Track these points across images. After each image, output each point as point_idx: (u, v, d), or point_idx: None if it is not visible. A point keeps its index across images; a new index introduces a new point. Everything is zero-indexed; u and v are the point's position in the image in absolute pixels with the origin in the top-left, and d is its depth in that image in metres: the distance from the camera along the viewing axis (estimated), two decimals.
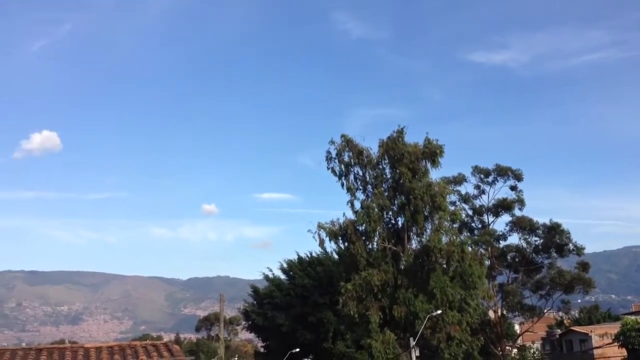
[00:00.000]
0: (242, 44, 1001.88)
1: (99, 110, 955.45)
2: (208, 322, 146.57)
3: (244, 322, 77.24)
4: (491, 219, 64.21)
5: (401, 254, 44.06)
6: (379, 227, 44.11)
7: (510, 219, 62.86)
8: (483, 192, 63.95)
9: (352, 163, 46.21)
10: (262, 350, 73.13)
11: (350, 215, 45.20)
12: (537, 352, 79.54)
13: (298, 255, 63.95)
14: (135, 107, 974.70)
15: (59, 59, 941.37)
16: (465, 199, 63.81)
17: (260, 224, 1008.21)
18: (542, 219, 65.09)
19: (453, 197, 60.57)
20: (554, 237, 61.06)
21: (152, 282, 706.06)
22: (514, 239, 63.47)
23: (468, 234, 61.67)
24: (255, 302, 65.25)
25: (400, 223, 45.55)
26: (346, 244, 44.89)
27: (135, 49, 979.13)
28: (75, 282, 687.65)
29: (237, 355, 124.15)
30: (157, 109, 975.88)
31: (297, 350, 56.14)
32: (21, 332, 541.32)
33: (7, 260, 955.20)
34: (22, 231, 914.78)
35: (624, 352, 53.92)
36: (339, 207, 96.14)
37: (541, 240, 62.19)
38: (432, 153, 45.11)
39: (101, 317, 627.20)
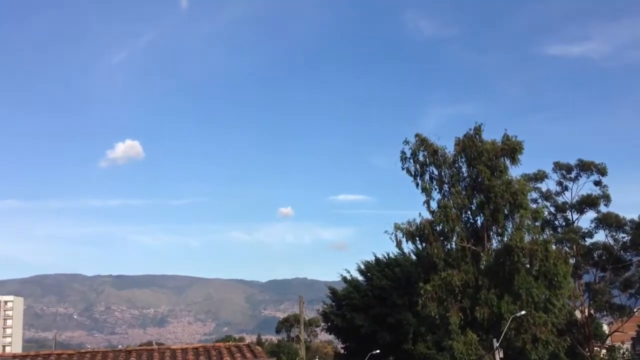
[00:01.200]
0: (314, 48, 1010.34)
1: (177, 117, 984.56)
2: (288, 323, 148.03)
3: (323, 324, 77.64)
4: (575, 216, 61.91)
5: (481, 254, 43.25)
6: (457, 227, 43.46)
7: (595, 215, 60.44)
8: (566, 188, 61.75)
9: (428, 162, 45.72)
10: (342, 351, 73.27)
11: (427, 215, 44.73)
12: (627, 353, 76.31)
13: (375, 257, 63.73)
14: (212, 113, 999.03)
15: (139, 70, 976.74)
16: (547, 196, 61.83)
17: (336, 225, 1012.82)
18: (630, 214, 62.24)
19: (534, 195, 58.79)
20: None
21: (233, 284, 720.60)
22: (600, 236, 60.94)
23: (551, 232, 59.64)
24: (333, 304, 65.43)
25: (479, 222, 44.74)
26: (424, 244, 44.42)
27: (211, 56, 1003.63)
28: (160, 286, 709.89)
29: (317, 357, 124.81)
30: (234, 116, 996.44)
31: (377, 351, 55.97)
32: (110, 335, 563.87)
33: (96, 266, 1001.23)
34: (110, 237, 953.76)
35: None
36: (414, 208, 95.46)
37: (629, 237, 59.52)
38: (511, 150, 44.12)
39: (185, 319, 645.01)
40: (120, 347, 24.79)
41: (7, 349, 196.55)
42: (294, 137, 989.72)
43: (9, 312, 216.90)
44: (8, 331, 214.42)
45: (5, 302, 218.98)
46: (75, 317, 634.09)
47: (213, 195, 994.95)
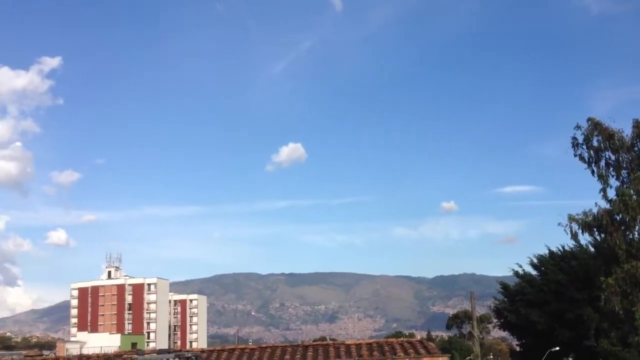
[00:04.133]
0: (468, 39, 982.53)
1: (336, 119, 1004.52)
2: (458, 319, 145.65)
3: (495, 320, 75.35)
4: None
5: None
6: (638, 216, 40.16)
7: None
8: None
9: (602, 148, 42.58)
10: (517, 348, 70.69)
11: (604, 204, 41.70)
12: None
13: (549, 250, 60.66)
14: (370, 113, 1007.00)
15: (299, 76, 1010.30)
16: None
17: (504, 218, 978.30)
18: None
19: None
20: None
21: (400, 280, 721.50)
22: None
23: None
24: (505, 299, 63.24)
25: None
26: (602, 235, 41.52)
27: (365, 57, 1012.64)
28: (329, 283, 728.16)
29: (491, 354, 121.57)
30: (392, 114, 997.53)
31: (557, 349, 53.30)
32: (286, 330, 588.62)
33: (270, 265, 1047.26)
34: (281, 237, 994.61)
35: None
36: (588, 197, 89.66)
37: None
38: None
39: (355, 316, 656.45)
40: (299, 341, 25.71)
41: (194, 344, 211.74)
42: (452, 130, 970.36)
43: (194, 310, 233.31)
44: (194, 327, 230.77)
45: (191, 301, 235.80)
46: (253, 313, 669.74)
47: (375, 193, 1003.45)
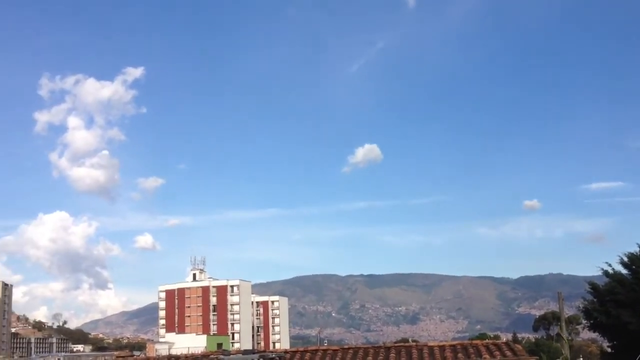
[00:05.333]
0: (551, 29, 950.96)
1: (409, 118, 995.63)
2: (545, 321, 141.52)
3: (584, 321, 72.63)
4: None
5: None
6: None
7: None
8: None
9: None
10: (609, 350, 67.86)
11: None
12: None
13: None
14: (446, 111, 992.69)
15: (374, 76, 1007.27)
16: None
17: (590, 216, 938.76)
18: None
19: None
20: None
21: (482, 281, 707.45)
22: None
23: None
24: (595, 300, 60.84)
25: None
26: None
27: (441, 55, 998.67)
28: (409, 284, 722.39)
29: (581, 356, 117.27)
30: (468, 111, 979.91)
31: None
32: (367, 332, 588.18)
33: (349, 266, 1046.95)
34: (359, 238, 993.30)
35: None
36: None
37: None
38: None
39: (437, 317, 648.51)
40: (381, 343, 25.55)
41: (277, 345, 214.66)
42: (533, 125, 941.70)
43: (276, 311, 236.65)
44: (276, 329, 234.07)
45: (273, 302, 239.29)
46: (333, 314, 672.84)
47: (454, 192, 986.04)
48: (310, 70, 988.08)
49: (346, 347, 23.59)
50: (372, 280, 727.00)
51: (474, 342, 23.01)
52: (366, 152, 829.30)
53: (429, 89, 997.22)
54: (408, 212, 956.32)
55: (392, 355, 21.53)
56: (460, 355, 20.86)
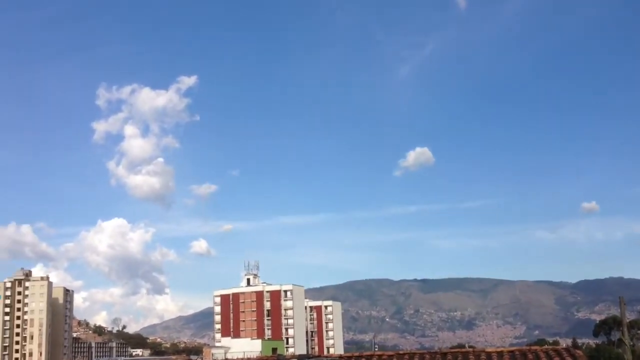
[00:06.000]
0: (608, 26, 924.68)
1: (461, 121, 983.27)
2: (606, 326, 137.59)
3: None
4: None
5: None
6: None
7: None
8: None
9: None
10: None
11: None
12: None
13: None
14: (498, 112, 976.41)
15: (424, 79, 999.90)
16: None
17: None
18: None
19: None
20: None
21: (540, 286, 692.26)
22: None
23: None
24: None
25: None
26: None
27: (491, 56, 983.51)
28: (464, 289, 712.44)
29: None
30: (522, 113, 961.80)
31: None
32: (421, 337, 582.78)
33: (402, 270, 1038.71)
34: (412, 242, 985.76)
35: None
36: None
37: None
38: None
39: (493, 322, 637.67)
40: (436, 348, 25.30)
41: (331, 350, 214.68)
42: (589, 125, 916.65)
43: (330, 316, 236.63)
44: (330, 334, 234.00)
45: (326, 307, 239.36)
46: (387, 320, 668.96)
47: (508, 195, 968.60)
48: (361, 74, 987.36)
49: (401, 352, 23.44)
50: (426, 285, 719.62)
51: (533, 347, 22.53)
52: (417, 155, 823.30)
53: (481, 90, 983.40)
54: (461, 216, 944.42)
55: None
56: None
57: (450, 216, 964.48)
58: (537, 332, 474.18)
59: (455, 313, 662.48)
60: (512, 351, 21.60)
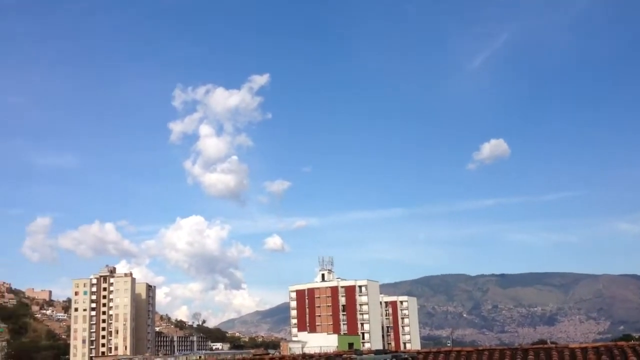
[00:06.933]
0: None
1: (537, 111, 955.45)
2: None
3: None
4: None
5: None
6: None
7: None
8: None
9: None
10: None
11: None
12: None
13: None
14: (575, 101, 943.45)
15: (498, 69, 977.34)
16: None
17: None
18: None
19: None
20: None
21: (625, 280, 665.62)
22: None
23: None
24: None
25: None
26: None
27: (568, 44, 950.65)
28: (544, 284, 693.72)
29: None
30: (598, 99, 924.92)
31: None
32: (500, 333, 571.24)
33: (479, 265, 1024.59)
34: (488, 237, 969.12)
35: None
36: None
37: None
38: None
39: (576, 318, 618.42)
40: (516, 344, 24.75)
41: (407, 346, 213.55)
42: None
43: (405, 312, 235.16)
44: (406, 329, 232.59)
45: (401, 302, 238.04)
46: (464, 315, 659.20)
47: (588, 186, 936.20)
48: (431, 67, 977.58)
49: (480, 348, 23.05)
50: (505, 280, 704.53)
51: (619, 343, 21.71)
52: (492, 147, 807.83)
53: (557, 80, 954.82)
54: (539, 209, 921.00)
55: (531, 357, 20.80)
56: (604, 357, 19.78)
57: (528, 209, 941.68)
58: (622, 327, 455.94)
59: (535, 308, 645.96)
60: (596, 347, 20.89)
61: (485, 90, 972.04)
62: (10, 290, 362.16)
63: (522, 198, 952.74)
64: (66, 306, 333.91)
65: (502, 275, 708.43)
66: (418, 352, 24.09)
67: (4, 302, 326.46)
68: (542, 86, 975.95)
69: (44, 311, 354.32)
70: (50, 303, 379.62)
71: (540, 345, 23.17)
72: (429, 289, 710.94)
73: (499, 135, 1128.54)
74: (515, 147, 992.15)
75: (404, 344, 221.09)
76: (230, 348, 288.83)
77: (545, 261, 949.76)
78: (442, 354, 22.71)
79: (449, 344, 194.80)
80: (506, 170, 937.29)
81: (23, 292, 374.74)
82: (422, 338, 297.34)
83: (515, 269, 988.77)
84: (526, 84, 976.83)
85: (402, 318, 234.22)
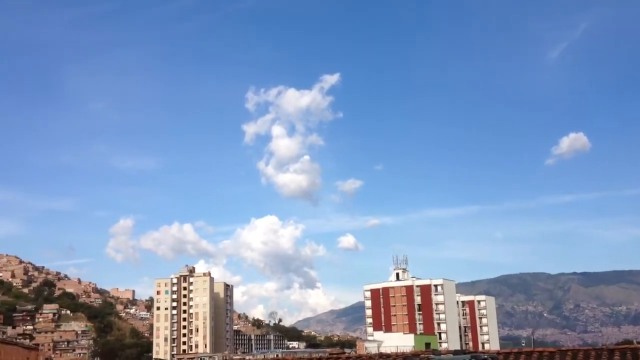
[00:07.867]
0: None
1: (618, 102, 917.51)
2: None
3: None
4: None
5: None
6: None
7: None
8: None
9: None
10: None
11: None
12: None
13: None
14: None
15: (577, 61, 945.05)
16: None
17: None
18: None
19: None
20: None
21: None
22: None
23: None
24: None
25: None
26: None
27: None
28: (629, 281, 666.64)
29: None
30: None
31: None
32: (583, 333, 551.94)
33: (560, 263, 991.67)
34: (568, 233, 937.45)
35: None
36: None
37: None
38: None
39: None
40: (601, 345, 24.10)
41: (486, 346, 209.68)
42: None
43: (483, 311, 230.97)
44: (484, 329, 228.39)
45: (479, 302, 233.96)
46: (545, 315, 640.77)
47: None
48: (510, 59, 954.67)
49: (563, 348, 22.60)
50: (587, 278, 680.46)
51: None
52: (572, 141, 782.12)
53: (638, 70, 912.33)
54: (622, 204, 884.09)
55: (617, 357, 20.27)
56: None
57: (610, 205, 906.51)
58: None
59: (620, 307, 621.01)
60: None
61: (565, 82, 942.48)
62: (96, 290, 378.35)
63: (602, 193, 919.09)
64: (149, 305, 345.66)
65: (584, 274, 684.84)
66: (498, 353, 23.78)
67: (90, 301, 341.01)
68: (623, 77, 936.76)
69: (128, 310, 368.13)
70: (133, 302, 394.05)
71: (626, 346, 22.48)
72: (507, 288, 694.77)
73: (579, 129, 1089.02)
74: (595, 140, 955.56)
75: (482, 344, 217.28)
76: (307, 347, 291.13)
77: (629, 258, 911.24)
78: (523, 355, 22.35)
79: (523, 344, 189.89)
80: (586, 165, 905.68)
81: (108, 292, 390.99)
82: (501, 338, 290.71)
83: (597, 267, 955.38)
84: (606, 76, 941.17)
85: (480, 318, 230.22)
